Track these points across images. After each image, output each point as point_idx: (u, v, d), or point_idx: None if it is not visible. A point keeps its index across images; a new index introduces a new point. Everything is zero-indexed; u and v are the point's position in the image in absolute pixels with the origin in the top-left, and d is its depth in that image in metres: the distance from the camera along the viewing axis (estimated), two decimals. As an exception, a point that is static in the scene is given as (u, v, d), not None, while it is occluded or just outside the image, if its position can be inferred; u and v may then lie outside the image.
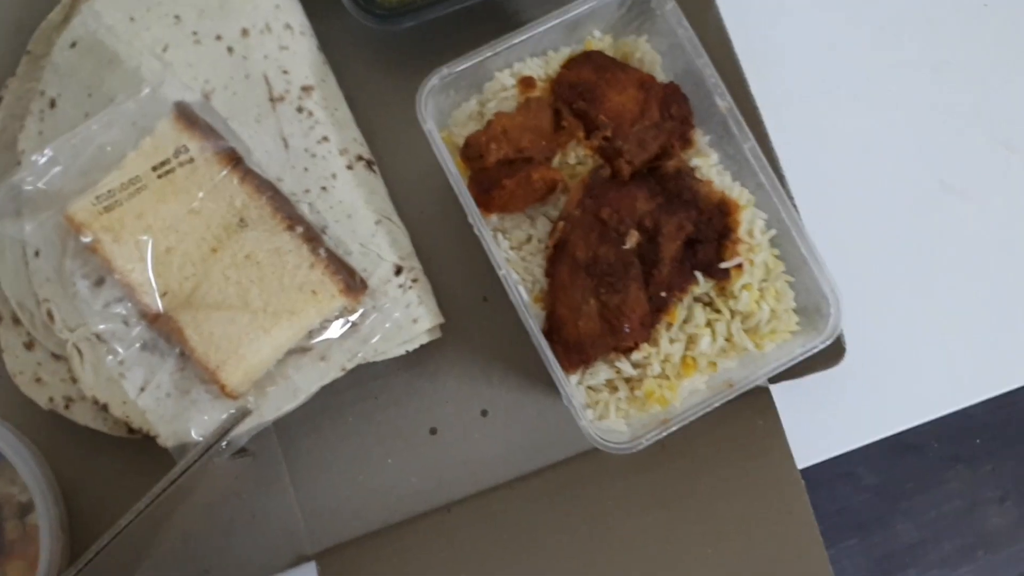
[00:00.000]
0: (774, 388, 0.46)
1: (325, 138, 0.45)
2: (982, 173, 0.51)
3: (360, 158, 0.46)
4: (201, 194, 0.41)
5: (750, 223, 0.41)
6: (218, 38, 0.45)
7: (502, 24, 0.49)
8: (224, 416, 0.39)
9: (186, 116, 0.41)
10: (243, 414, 0.39)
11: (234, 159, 0.42)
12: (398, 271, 0.44)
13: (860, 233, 0.50)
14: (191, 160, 0.40)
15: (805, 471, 0.47)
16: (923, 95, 0.52)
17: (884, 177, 0.50)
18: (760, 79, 0.45)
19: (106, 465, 0.43)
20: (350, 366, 0.43)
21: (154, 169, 0.40)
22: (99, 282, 0.42)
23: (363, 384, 0.46)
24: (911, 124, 0.51)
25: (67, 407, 0.43)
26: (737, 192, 0.42)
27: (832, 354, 0.42)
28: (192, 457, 0.38)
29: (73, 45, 0.44)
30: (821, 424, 0.48)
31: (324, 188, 0.45)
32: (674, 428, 0.38)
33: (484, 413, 0.46)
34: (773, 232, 0.42)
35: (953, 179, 0.51)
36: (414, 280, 0.45)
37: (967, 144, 0.51)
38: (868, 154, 0.51)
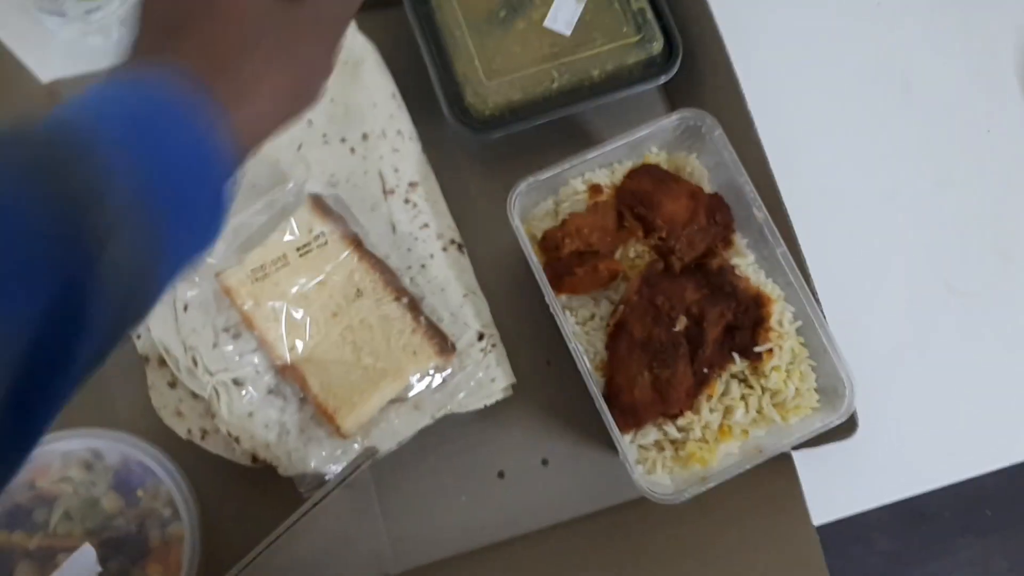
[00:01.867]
0: (796, 454, 0.54)
1: (426, 225, 0.54)
2: (980, 277, 0.59)
3: (453, 242, 0.55)
4: (328, 268, 0.50)
5: (780, 315, 0.50)
6: (343, 140, 0.55)
7: (576, 137, 0.59)
8: (353, 455, 0.48)
9: (320, 206, 0.51)
10: (371, 454, 0.48)
11: (356, 241, 0.51)
12: (480, 337, 0.53)
13: (877, 324, 0.58)
14: (325, 243, 0.50)
15: (822, 530, 0.54)
16: (930, 209, 0.60)
17: (897, 278, 0.59)
18: (790, 191, 0.54)
19: (232, 489, 0.52)
20: (439, 415, 0.51)
21: (298, 250, 0.49)
22: (237, 335, 0.51)
23: (444, 430, 0.54)
24: (920, 234, 0.60)
25: (203, 438, 0.52)
26: (770, 288, 0.50)
27: (846, 428, 0.49)
28: (327, 490, 0.46)
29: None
30: (836, 487, 0.55)
31: (423, 266, 0.54)
32: (711, 485, 0.46)
33: (544, 462, 0.54)
34: (799, 323, 0.50)
35: (956, 281, 0.59)
36: (493, 345, 0.53)
37: (969, 252, 0.59)
38: (884, 257, 0.59)
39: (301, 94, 0.33)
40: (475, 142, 0.55)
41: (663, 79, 0.56)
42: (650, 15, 0.56)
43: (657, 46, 0.56)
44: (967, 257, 0.60)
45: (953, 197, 0.60)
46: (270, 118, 0.32)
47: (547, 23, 0.56)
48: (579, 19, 0.56)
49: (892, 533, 0.95)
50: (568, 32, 0.56)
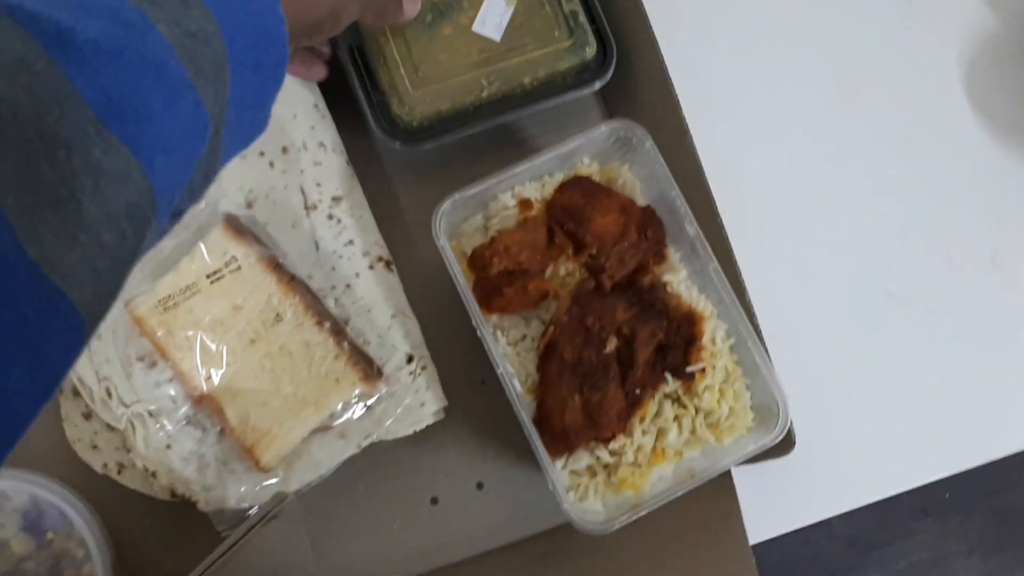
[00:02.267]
0: (734, 469, 0.53)
1: (351, 242, 0.52)
2: (922, 284, 0.58)
3: (380, 259, 0.53)
4: (245, 293, 0.48)
5: (713, 332, 0.48)
6: (261, 154, 0.52)
7: (509, 144, 0.57)
8: (267, 497, 0.46)
9: (234, 226, 0.48)
10: (282, 499, 0.46)
11: (274, 263, 0.49)
12: (410, 359, 0.51)
13: (819, 335, 0.57)
14: (239, 268, 0.47)
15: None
16: (870, 212, 0.59)
17: (838, 287, 0.57)
18: (728, 201, 0.52)
19: (150, 524, 0.50)
20: (365, 444, 0.49)
21: (208, 277, 0.47)
22: (152, 365, 0.49)
23: (375, 456, 0.52)
24: (861, 241, 0.58)
25: (119, 472, 0.49)
26: (702, 305, 0.49)
27: (783, 446, 0.48)
28: (239, 534, 0.45)
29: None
30: (776, 502, 0.54)
31: (348, 285, 0.52)
32: (643, 512, 0.44)
33: (479, 486, 0.53)
34: (732, 340, 0.49)
35: (897, 289, 0.58)
36: (423, 367, 0.51)
37: (910, 259, 0.58)
38: (824, 266, 0.58)
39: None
40: (403, 154, 0.53)
41: (597, 85, 0.54)
42: (583, 18, 0.54)
43: (591, 51, 0.54)
44: (909, 265, 0.59)
45: (895, 204, 0.59)
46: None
47: (475, 28, 0.53)
48: (509, 23, 0.53)
49: (850, 517, 0.95)
50: (498, 37, 0.53)
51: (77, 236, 0.24)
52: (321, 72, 0.52)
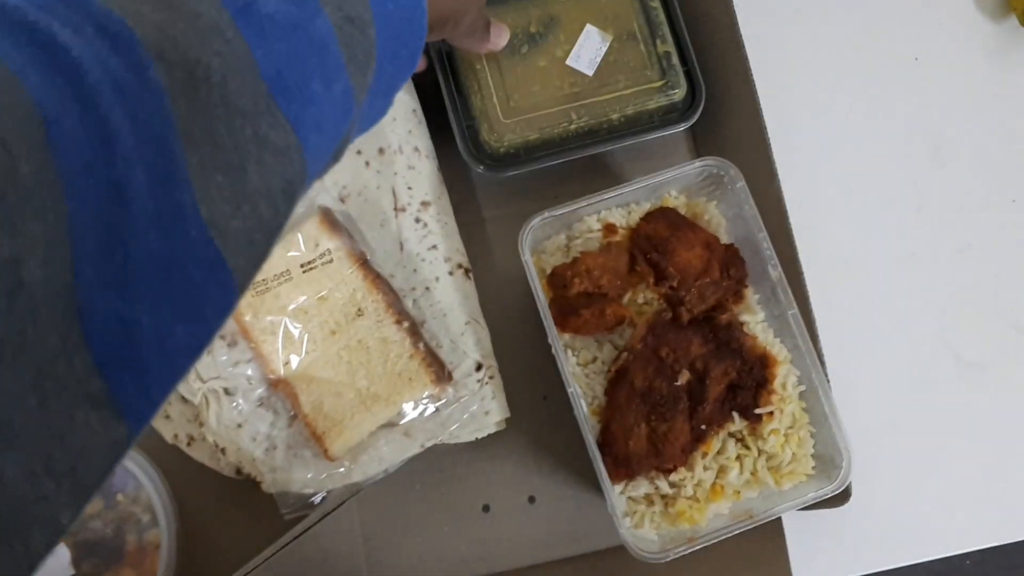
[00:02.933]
0: (784, 513, 0.53)
1: (434, 246, 0.53)
2: (993, 350, 0.58)
3: (460, 266, 0.54)
4: (331, 285, 0.49)
5: (784, 377, 0.49)
6: (359, 153, 0.54)
7: (595, 172, 0.58)
8: (338, 480, 0.47)
9: (329, 220, 0.50)
10: (356, 490, 0.47)
11: (362, 260, 0.50)
12: (479, 367, 0.52)
13: (882, 389, 0.57)
14: (331, 260, 0.49)
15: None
16: (947, 277, 0.59)
17: (908, 344, 0.58)
18: (808, 249, 0.52)
19: (213, 499, 0.51)
20: (428, 445, 0.50)
21: (301, 266, 0.48)
22: (233, 344, 0.50)
23: (433, 458, 0.53)
24: (935, 301, 0.58)
25: (188, 444, 0.51)
26: (777, 349, 0.49)
27: (839, 498, 0.48)
28: (307, 524, 0.46)
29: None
30: (823, 550, 0.54)
31: (428, 288, 0.53)
32: (698, 547, 0.45)
33: (531, 500, 0.53)
34: (803, 388, 0.49)
35: (967, 352, 0.58)
36: (491, 377, 0.52)
37: (983, 323, 0.58)
38: (896, 322, 0.58)
39: None
40: (486, 178, 0.54)
41: (682, 127, 0.54)
42: (675, 60, 0.55)
43: (680, 93, 0.54)
44: (981, 328, 0.58)
45: (972, 266, 0.59)
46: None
47: (570, 61, 0.54)
48: (602, 59, 0.54)
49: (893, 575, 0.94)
50: (591, 72, 0.54)
51: (241, 205, 0.24)
52: (423, 63, 0.52)
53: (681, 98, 0.55)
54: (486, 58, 0.54)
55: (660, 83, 0.54)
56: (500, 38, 0.52)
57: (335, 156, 0.31)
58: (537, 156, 0.53)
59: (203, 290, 0.23)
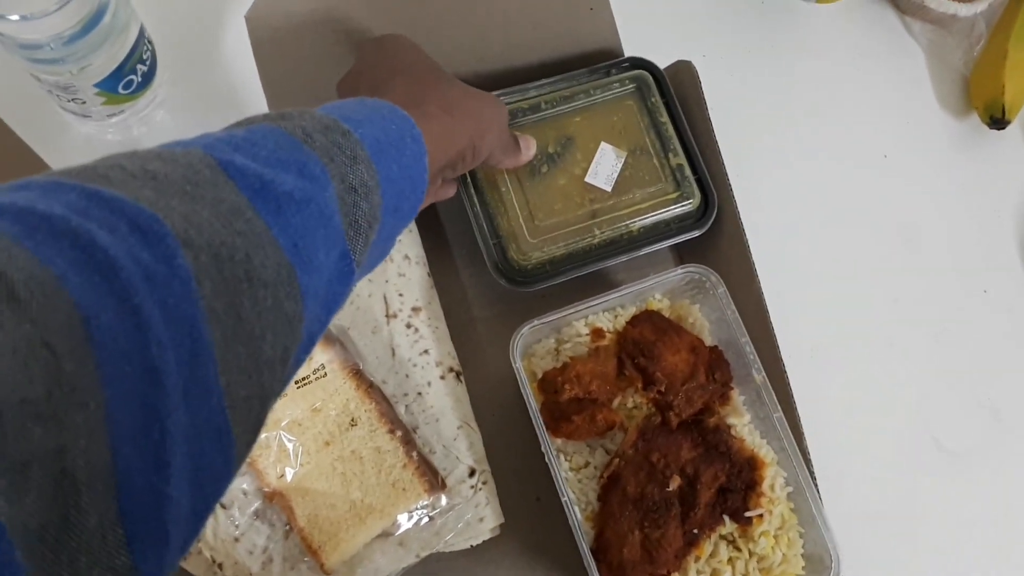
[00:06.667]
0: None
1: (426, 351, 0.54)
2: (970, 436, 0.59)
3: (451, 370, 0.55)
4: (325, 397, 0.50)
5: (772, 479, 0.50)
6: (351, 261, 0.55)
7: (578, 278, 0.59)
8: None
9: (324, 334, 0.51)
10: None
11: (355, 369, 0.51)
12: (472, 473, 0.53)
13: (864, 482, 0.58)
14: (325, 375, 0.50)
15: None
16: (924, 365, 0.61)
17: (888, 432, 0.59)
18: (791, 344, 0.54)
19: (208, 614, 0.51)
20: (424, 554, 0.50)
21: (296, 383, 0.49)
22: (227, 456, 0.50)
23: (428, 565, 0.53)
24: (912, 389, 0.60)
25: (184, 559, 0.51)
26: (764, 451, 0.50)
27: (831, 597, 0.49)
28: None
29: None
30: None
31: (420, 393, 0.54)
32: (693, 656, 0.45)
33: (528, 602, 0.53)
34: (790, 489, 0.50)
35: (945, 439, 0.59)
36: (484, 483, 0.53)
37: (960, 410, 0.60)
38: (875, 411, 0.59)
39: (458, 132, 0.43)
40: (515, 295, 0.55)
41: (696, 233, 0.56)
42: (688, 171, 0.57)
43: (695, 202, 0.56)
44: (958, 415, 0.60)
45: (947, 354, 0.61)
46: (441, 143, 0.40)
47: (588, 179, 0.56)
48: (619, 174, 0.56)
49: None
50: (609, 188, 0.56)
51: (252, 374, 0.25)
52: (451, 190, 0.52)
53: (696, 207, 0.57)
54: (509, 179, 0.55)
55: (675, 194, 0.56)
56: (530, 149, 0.54)
57: (331, 315, 0.32)
58: (563, 269, 0.54)
59: (211, 459, 0.24)
